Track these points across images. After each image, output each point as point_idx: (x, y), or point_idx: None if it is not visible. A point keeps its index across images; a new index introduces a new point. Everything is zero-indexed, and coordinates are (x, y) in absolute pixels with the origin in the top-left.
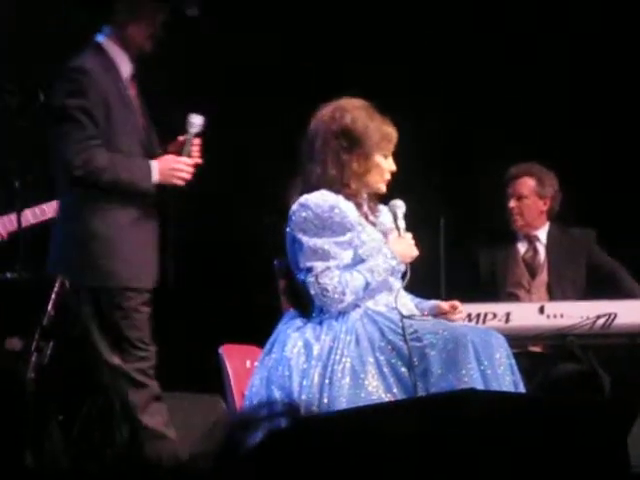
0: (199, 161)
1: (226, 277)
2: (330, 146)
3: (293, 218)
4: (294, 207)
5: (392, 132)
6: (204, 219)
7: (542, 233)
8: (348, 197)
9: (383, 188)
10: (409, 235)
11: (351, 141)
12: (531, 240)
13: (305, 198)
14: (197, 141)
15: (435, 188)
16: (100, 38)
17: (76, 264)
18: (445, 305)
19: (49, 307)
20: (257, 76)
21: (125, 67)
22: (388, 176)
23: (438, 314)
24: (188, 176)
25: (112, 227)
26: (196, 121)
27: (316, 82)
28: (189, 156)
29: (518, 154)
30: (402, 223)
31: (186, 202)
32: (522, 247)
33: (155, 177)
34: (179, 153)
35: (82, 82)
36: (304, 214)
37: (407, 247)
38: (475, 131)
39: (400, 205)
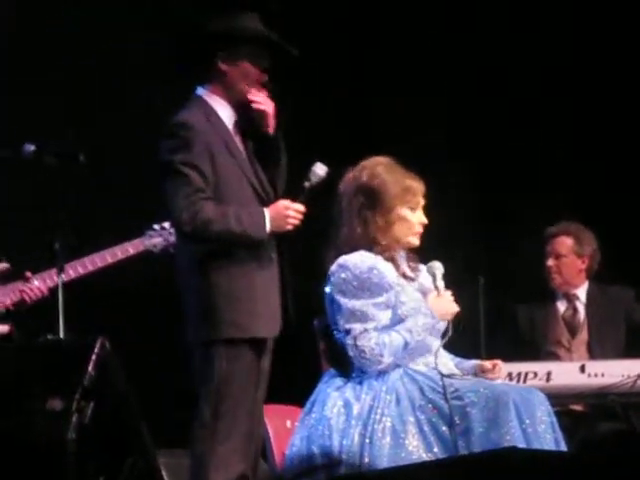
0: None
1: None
2: (352, 205)
3: (332, 279)
4: (333, 268)
5: (415, 185)
6: None
7: (581, 292)
8: (387, 258)
9: (415, 241)
10: (448, 293)
11: (370, 197)
12: (570, 299)
13: (344, 259)
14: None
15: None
16: (200, 91)
17: (199, 318)
18: (487, 363)
19: (90, 367)
20: None
21: (228, 115)
22: (419, 229)
23: (479, 373)
24: (297, 222)
25: (230, 278)
26: (319, 171)
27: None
28: (303, 203)
29: (558, 213)
30: (441, 283)
31: None
32: (562, 306)
33: (268, 225)
34: (294, 200)
35: (187, 137)
36: (343, 275)
37: (446, 304)
38: (513, 191)
39: (438, 267)
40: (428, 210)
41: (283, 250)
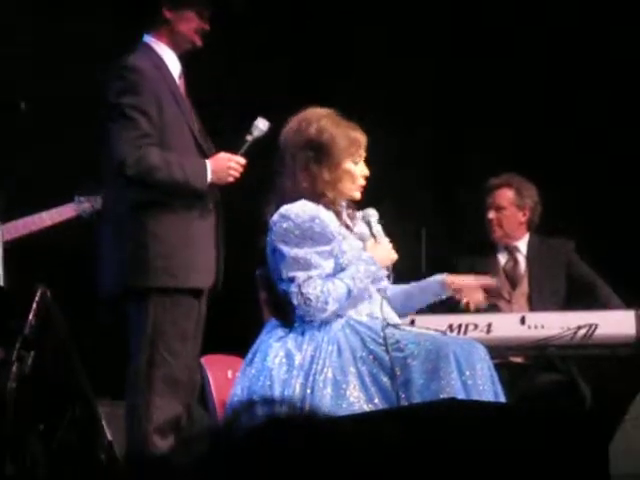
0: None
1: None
2: (298, 158)
3: (274, 229)
4: (275, 218)
5: (360, 137)
6: None
7: (522, 244)
8: (328, 207)
9: (357, 195)
10: (386, 240)
11: (318, 151)
12: (511, 251)
13: (286, 209)
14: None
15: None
16: (147, 38)
17: (133, 265)
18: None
19: (30, 317)
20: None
21: (174, 65)
22: (362, 182)
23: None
24: (238, 175)
25: (167, 226)
26: (261, 126)
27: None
28: (244, 156)
29: (498, 164)
30: (378, 229)
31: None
32: (502, 258)
33: (209, 176)
34: (234, 151)
35: (136, 80)
36: (285, 225)
37: (385, 251)
38: (455, 143)
39: (373, 213)
40: (370, 162)
41: (219, 203)
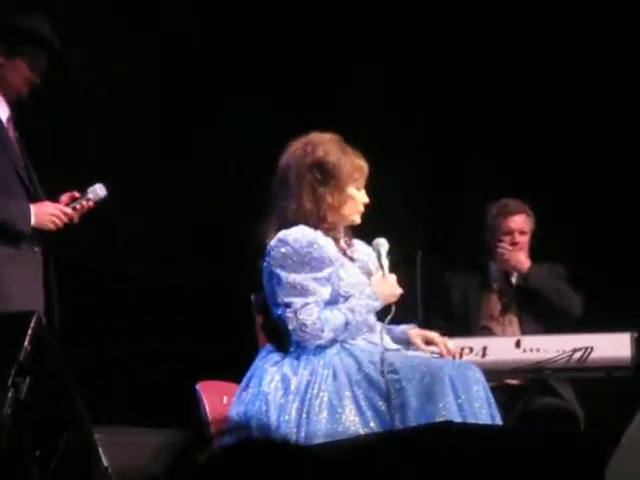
0: (75, 220)
1: (201, 313)
2: (305, 180)
3: (272, 253)
4: (272, 243)
5: (363, 164)
6: (188, 254)
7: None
8: (326, 232)
9: (357, 220)
10: (393, 276)
11: (325, 174)
12: (505, 274)
13: (284, 234)
14: (87, 205)
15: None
16: None
17: None
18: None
19: (25, 342)
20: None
21: (3, 110)
22: (362, 208)
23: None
24: (61, 224)
25: None
26: (99, 191)
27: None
28: (73, 210)
29: (491, 185)
30: (386, 262)
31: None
32: (495, 280)
33: (32, 219)
34: (68, 204)
35: None
36: (283, 250)
37: (390, 287)
38: (449, 163)
39: (383, 243)
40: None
41: (49, 247)
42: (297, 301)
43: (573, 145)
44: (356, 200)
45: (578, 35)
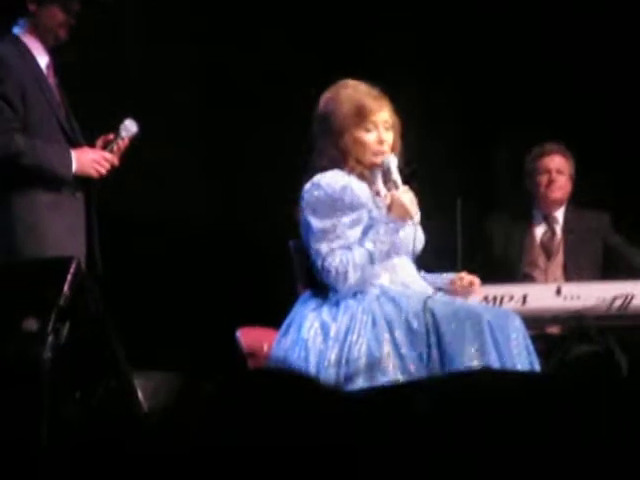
0: (116, 162)
1: (241, 260)
2: (317, 132)
3: (305, 197)
4: (307, 186)
5: (371, 104)
6: (224, 201)
7: (560, 214)
8: (359, 177)
9: (377, 160)
10: (405, 189)
11: (322, 123)
12: (549, 221)
13: (318, 178)
14: (123, 144)
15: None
16: (16, 30)
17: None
18: (463, 280)
19: (65, 288)
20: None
21: (42, 57)
22: (379, 147)
23: (453, 288)
24: (104, 170)
25: (34, 212)
26: (130, 127)
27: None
28: (111, 152)
29: (532, 135)
30: (398, 177)
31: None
32: (539, 228)
33: (74, 166)
34: (103, 148)
35: None
36: (316, 193)
37: (402, 208)
38: (489, 110)
39: (392, 159)
40: (405, 132)
41: (92, 192)
42: (323, 247)
43: (615, 104)
44: (365, 142)
45: None
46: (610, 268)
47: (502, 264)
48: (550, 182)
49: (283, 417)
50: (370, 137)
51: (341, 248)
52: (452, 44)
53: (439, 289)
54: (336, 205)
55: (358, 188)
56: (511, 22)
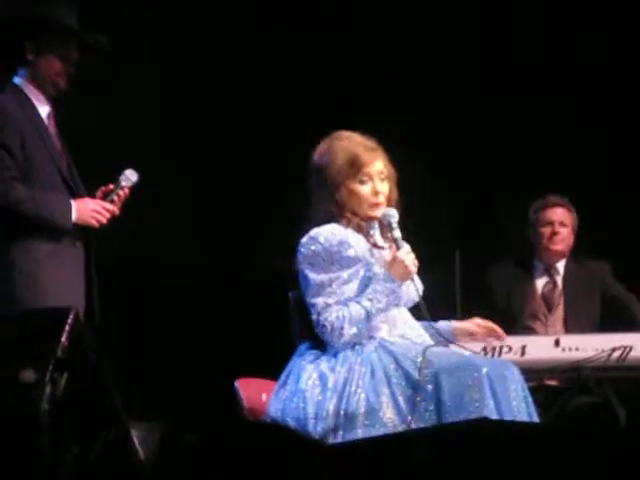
0: (117, 212)
1: (240, 311)
2: (313, 185)
3: (302, 250)
4: (304, 240)
5: (364, 156)
6: (224, 252)
7: (561, 266)
8: (356, 230)
9: (373, 213)
10: (407, 248)
11: (317, 176)
12: (551, 273)
13: (315, 231)
14: (124, 194)
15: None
16: (16, 80)
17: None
18: (474, 327)
19: (63, 338)
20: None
21: (43, 106)
22: (375, 199)
23: (464, 336)
24: (104, 220)
25: (33, 261)
26: (131, 176)
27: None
28: (111, 202)
29: (535, 185)
30: (398, 234)
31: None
32: (540, 279)
33: (73, 215)
34: (104, 198)
35: None
36: (313, 247)
37: (403, 267)
38: (491, 163)
39: (393, 214)
40: (402, 182)
41: (91, 243)
42: (320, 302)
43: (619, 147)
44: (360, 194)
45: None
46: (610, 317)
47: (503, 316)
48: (553, 234)
49: (262, 469)
50: (365, 189)
51: (337, 304)
52: (452, 91)
53: (448, 340)
54: (333, 259)
55: (355, 242)
56: (515, 70)
